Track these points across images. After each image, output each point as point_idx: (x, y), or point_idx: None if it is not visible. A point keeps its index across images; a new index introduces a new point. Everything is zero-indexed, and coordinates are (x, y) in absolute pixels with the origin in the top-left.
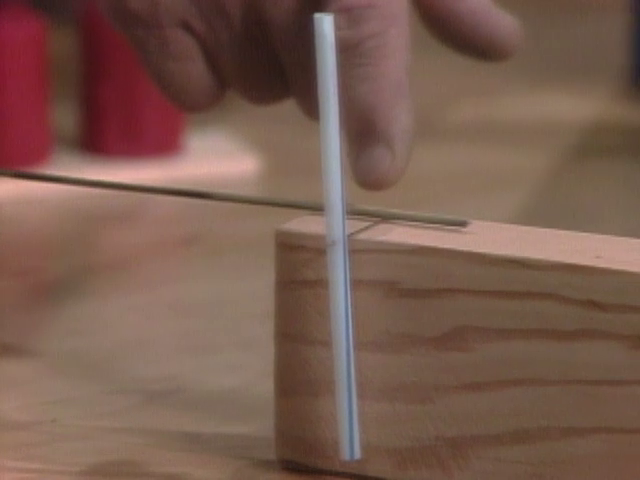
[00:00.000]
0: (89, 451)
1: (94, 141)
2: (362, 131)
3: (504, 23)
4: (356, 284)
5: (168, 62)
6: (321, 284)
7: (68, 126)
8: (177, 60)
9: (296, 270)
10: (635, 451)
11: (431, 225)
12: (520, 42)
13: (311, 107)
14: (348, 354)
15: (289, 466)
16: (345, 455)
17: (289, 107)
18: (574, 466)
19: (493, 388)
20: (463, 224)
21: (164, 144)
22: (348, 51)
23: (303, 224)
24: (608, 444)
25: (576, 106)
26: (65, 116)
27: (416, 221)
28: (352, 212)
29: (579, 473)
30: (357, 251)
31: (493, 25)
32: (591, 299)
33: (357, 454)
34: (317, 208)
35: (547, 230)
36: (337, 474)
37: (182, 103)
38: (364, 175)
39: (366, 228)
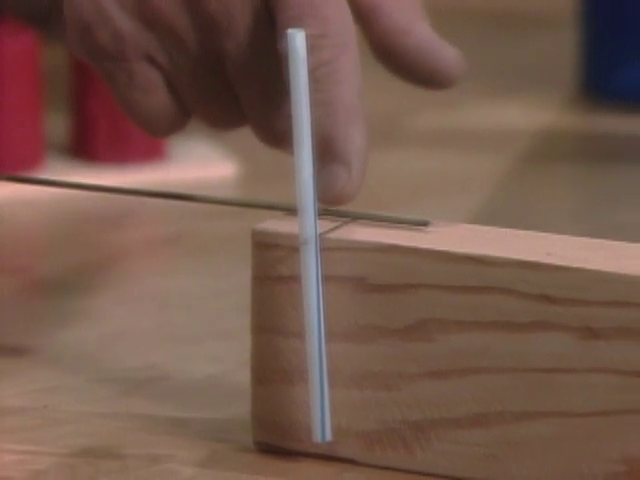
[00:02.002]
0: (79, 434)
1: (84, 147)
2: (320, 151)
3: (446, 55)
4: (327, 280)
5: (135, 93)
6: (294, 280)
7: (60, 133)
8: (143, 91)
9: (271, 267)
10: (583, 433)
11: (396, 225)
12: (461, 72)
13: (265, 135)
14: (320, 345)
15: (264, 448)
16: (317, 437)
17: None
18: (527, 448)
19: (454, 376)
20: (426, 224)
21: (149, 150)
22: None
23: (278, 224)
24: (559, 427)
25: (529, 115)
26: (57, 124)
27: (382, 221)
28: (323, 212)
29: (532, 454)
30: (328, 249)
31: (436, 58)
32: (544, 293)
33: (328, 436)
34: (290, 209)
35: (503, 229)
36: (309, 455)
37: (149, 130)
38: (324, 191)
39: (336, 227)
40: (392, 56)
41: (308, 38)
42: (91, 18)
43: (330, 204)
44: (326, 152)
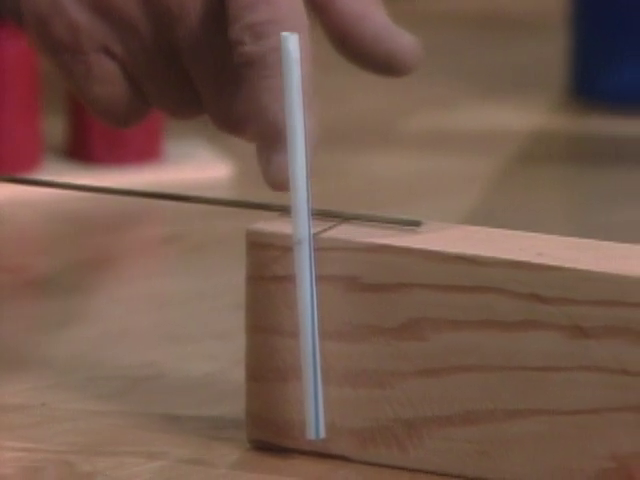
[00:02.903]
0: (76, 432)
1: (81, 149)
2: (271, 137)
3: (403, 42)
4: (321, 279)
5: (94, 85)
6: (288, 279)
7: (57, 135)
8: (101, 82)
9: (265, 266)
10: (573, 431)
11: (389, 225)
12: (419, 59)
13: (221, 122)
14: (314, 343)
15: (259, 445)
16: (311, 435)
17: None
18: (517, 445)
19: (445, 374)
20: (418, 224)
21: (146, 152)
22: (253, 65)
23: (272, 224)
24: (548, 424)
25: (520, 117)
26: (54, 126)
27: (375, 221)
28: (317, 213)
29: (522, 451)
30: (321, 249)
31: (392, 44)
32: (534, 293)
33: (322, 434)
34: (284, 209)
35: (494, 230)
36: (303, 452)
37: (109, 120)
38: (275, 177)
39: (330, 228)
40: (348, 43)
41: (260, 25)
42: (46, 11)
43: (282, 190)
44: (277, 138)
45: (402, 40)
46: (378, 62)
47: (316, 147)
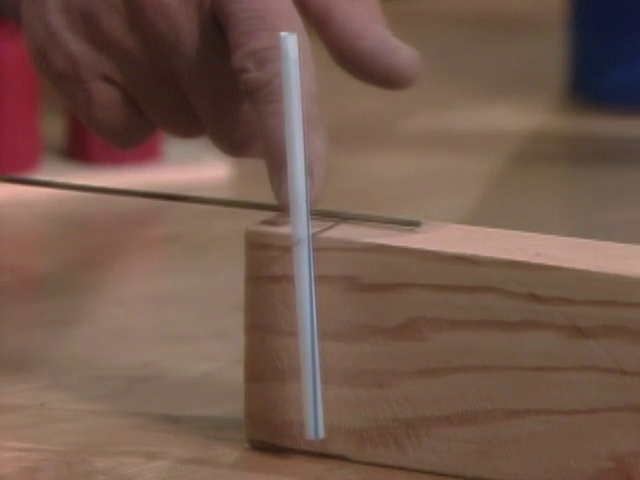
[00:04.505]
0: (75, 432)
1: (80, 149)
2: (281, 161)
3: (402, 56)
4: (319, 279)
5: (96, 111)
6: (287, 279)
7: (56, 135)
8: (103, 108)
9: (264, 266)
10: (571, 430)
11: (388, 225)
12: (418, 72)
13: (223, 145)
14: (312, 343)
15: (258, 445)
16: (310, 435)
17: None
18: (516, 445)
19: (444, 374)
20: (417, 224)
21: (145, 152)
22: (258, 91)
23: (270, 224)
24: (547, 424)
25: (519, 117)
26: (53, 126)
27: (374, 221)
28: (315, 213)
29: (521, 451)
30: (320, 249)
31: (390, 60)
32: (532, 293)
33: (321, 434)
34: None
35: (493, 230)
36: (302, 452)
37: (114, 143)
38: (286, 201)
39: (328, 228)
40: (347, 59)
41: (262, 51)
42: (45, 43)
43: None
44: (286, 161)
45: (401, 54)
46: (377, 77)
47: (326, 171)
